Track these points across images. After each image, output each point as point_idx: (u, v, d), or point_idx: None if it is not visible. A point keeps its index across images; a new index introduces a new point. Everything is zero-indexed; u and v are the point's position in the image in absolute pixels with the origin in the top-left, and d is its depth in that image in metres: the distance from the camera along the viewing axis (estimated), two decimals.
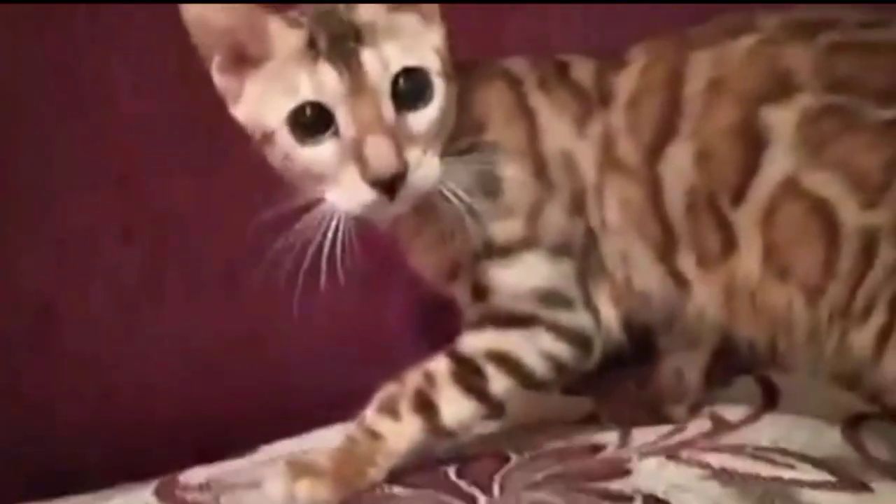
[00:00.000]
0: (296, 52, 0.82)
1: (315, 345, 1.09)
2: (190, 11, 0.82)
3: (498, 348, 0.88)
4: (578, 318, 0.89)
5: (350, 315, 1.09)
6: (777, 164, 0.82)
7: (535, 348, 0.88)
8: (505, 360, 0.88)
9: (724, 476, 0.84)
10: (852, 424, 0.92)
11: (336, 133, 0.81)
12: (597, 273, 0.90)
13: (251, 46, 0.83)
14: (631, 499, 0.82)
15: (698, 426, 0.94)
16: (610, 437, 0.93)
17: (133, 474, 0.98)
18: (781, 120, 0.82)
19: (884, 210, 0.79)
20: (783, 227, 0.83)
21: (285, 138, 0.82)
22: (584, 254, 0.89)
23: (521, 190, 0.88)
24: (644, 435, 0.93)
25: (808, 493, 0.81)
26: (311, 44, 0.82)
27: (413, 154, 0.81)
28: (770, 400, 0.98)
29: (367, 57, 0.81)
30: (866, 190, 0.80)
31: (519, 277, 0.88)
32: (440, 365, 0.89)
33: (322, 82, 0.81)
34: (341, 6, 0.84)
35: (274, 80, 0.83)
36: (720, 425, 0.94)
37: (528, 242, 0.88)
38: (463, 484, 0.87)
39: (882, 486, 0.82)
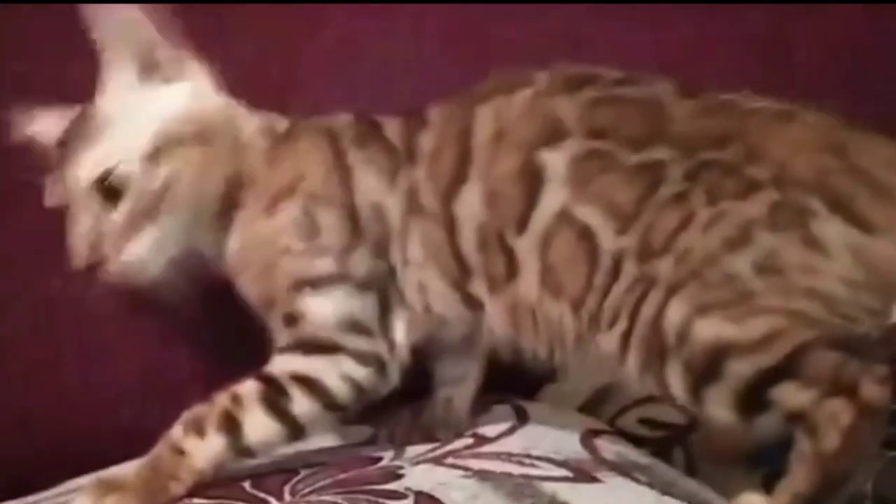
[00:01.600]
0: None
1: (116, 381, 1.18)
2: None
3: (303, 372, 1.00)
4: (376, 346, 1.02)
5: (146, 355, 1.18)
6: (553, 198, 0.98)
7: (337, 372, 1.00)
8: (309, 383, 1.00)
9: (482, 475, 0.97)
10: (589, 436, 1.08)
11: None
12: (393, 306, 1.04)
13: None
14: (405, 496, 0.94)
15: (462, 441, 1.07)
16: (386, 452, 1.06)
17: None
18: (555, 161, 0.99)
19: (631, 235, 0.96)
20: (557, 252, 0.98)
21: None
22: (384, 290, 1.03)
23: (335, 234, 1.03)
24: (416, 449, 1.06)
25: (549, 485, 0.95)
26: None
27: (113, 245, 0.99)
28: (521, 421, 1.13)
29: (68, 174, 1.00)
30: (620, 219, 0.96)
31: (328, 308, 1.01)
32: (248, 386, 1.00)
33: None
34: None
35: None
36: (480, 440, 1.08)
37: (338, 278, 1.02)
38: (257, 492, 0.98)
39: (611, 480, 0.98)
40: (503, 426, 1.11)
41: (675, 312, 0.92)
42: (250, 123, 1.08)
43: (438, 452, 1.05)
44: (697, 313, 0.91)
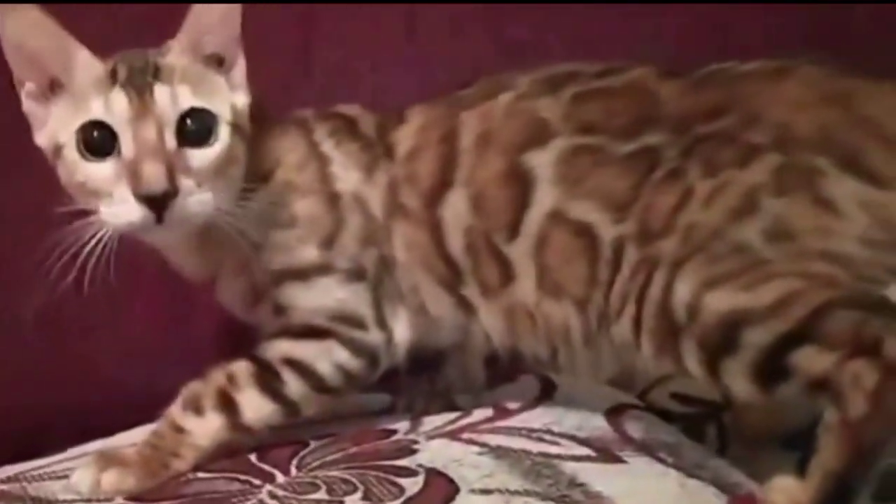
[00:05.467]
0: (96, 80, 0.92)
1: (119, 347, 1.14)
2: (8, 30, 0.89)
3: (294, 356, 0.97)
4: (370, 337, 0.99)
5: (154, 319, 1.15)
6: (544, 200, 0.95)
7: (327, 359, 0.98)
8: (300, 367, 0.97)
9: (498, 452, 0.93)
10: (615, 412, 1.03)
11: (118, 154, 0.89)
12: (394, 298, 1.00)
13: (61, 75, 0.92)
14: (416, 473, 0.90)
15: (482, 413, 1.03)
16: (402, 424, 1.02)
17: None
18: (542, 162, 0.95)
19: (630, 221, 0.92)
20: (553, 253, 0.95)
21: (71, 152, 0.91)
22: (378, 280, 1.00)
23: (314, 223, 0.99)
24: (433, 421, 1.02)
25: (570, 465, 0.91)
26: (112, 74, 0.91)
27: (186, 183, 0.90)
28: (546, 393, 1.08)
29: (159, 90, 0.91)
30: (617, 209, 0.93)
31: (315, 298, 0.99)
32: (241, 367, 0.97)
33: (112, 105, 0.90)
34: (153, 50, 0.93)
35: (72, 103, 0.92)
36: (501, 412, 1.03)
37: (322, 268, 0.99)
38: (263, 465, 0.94)
39: (635, 460, 0.94)
40: (526, 399, 1.06)
41: (683, 289, 0.88)
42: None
43: (456, 426, 1.00)
44: (706, 287, 0.87)
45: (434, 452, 0.94)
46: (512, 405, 1.05)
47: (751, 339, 0.85)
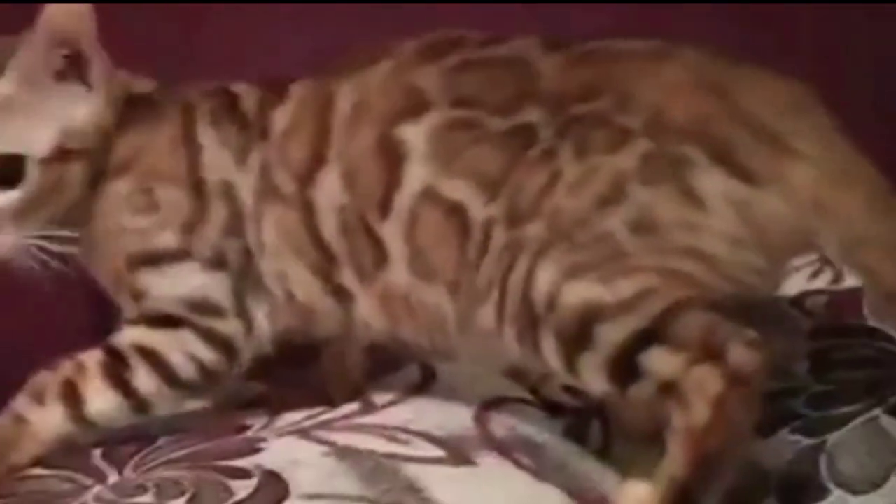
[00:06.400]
0: None
1: None
2: None
3: (146, 344, 0.94)
4: (227, 327, 0.95)
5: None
6: (415, 176, 0.90)
7: (181, 349, 0.94)
8: (151, 356, 0.94)
9: (343, 452, 0.89)
10: (489, 407, 0.99)
11: None
12: (256, 289, 0.96)
13: None
14: (251, 475, 0.86)
15: (347, 408, 0.99)
16: (259, 419, 0.98)
17: None
18: (415, 135, 0.90)
19: (500, 202, 0.87)
20: (425, 233, 0.90)
21: None
22: (241, 271, 0.96)
23: (176, 208, 0.95)
24: (292, 416, 0.98)
25: (413, 468, 0.87)
26: None
27: None
28: (424, 385, 1.04)
29: None
30: (489, 188, 0.88)
31: (171, 285, 0.95)
32: (92, 356, 0.94)
33: None
34: None
35: None
36: (366, 408, 0.99)
37: (181, 255, 0.95)
38: (102, 464, 0.91)
39: (487, 461, 0.90)
40: (398, 393, 1.02)
41: (543, 278, 0.83)
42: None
43: (313, 422, 0.96)
44: (566, 277, 0.83)
45: (277, 452, 0.90)
46: (381, 399, 1.00)
47: (605, 334, 0.82)
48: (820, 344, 0.99)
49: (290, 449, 0.91)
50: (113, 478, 0.89)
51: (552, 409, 1.04)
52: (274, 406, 1.00)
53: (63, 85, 0.92)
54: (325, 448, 0.90)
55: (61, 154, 0.92)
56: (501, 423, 0.96)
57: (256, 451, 0.91)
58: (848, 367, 0.94)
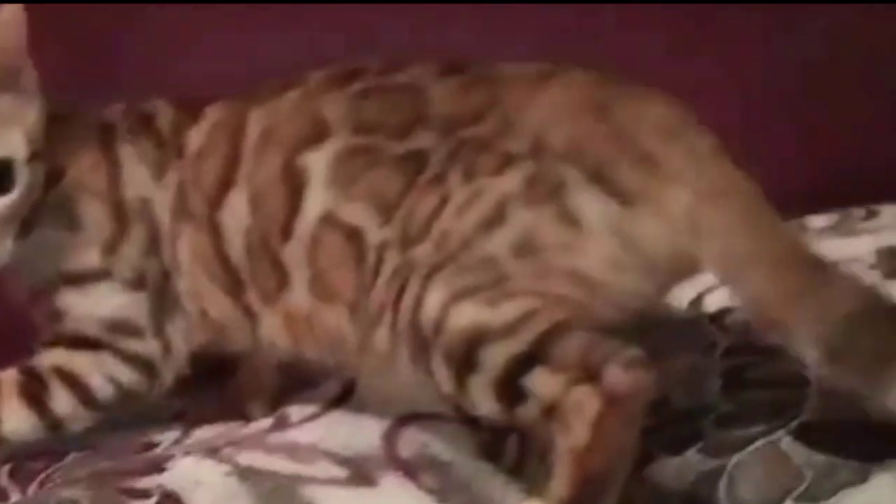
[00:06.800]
0: None
1: None
2: None
3: (65, 366, 0.95)
4: (147, 348, 0.96)
5: None
6: (316, 202, 0.92)
7: (100, 371, 0.95)
8: (69, 378, 0.95)
9: (245, 473, 0.90)
10: (402, 423, 0.99)
11: None
12: (172, 308, 0.98)
13: None
14: (150, 495, 0.87)
15: (261, 424, 1.00)
16: (169, 435, 0.99)
17: None
18: (316, 162, 0.92)
19: (393, 225, 0.89)
20: (325, 256, 0.92)
21: None
22: (159, 290, 0.97)
23: (98, 227, 0.97)
24: (204, 433, 0.99)
25: (311, 489, 0.88)
26: None
27: None
28: (342, 399, 1.04)
29: None
30: (385, 212, 0.90)
31: (91, 305, 0.96)
32: (9, 374, 0.95)
33: None
34: None
35: None
36: (280, 423, 0.99)
37: (102, 274, 0.96)
38: (8, 483, 0.92)
39: (387, 482, 0.90)
40: (314, 408, 1.02)
41: (432, 301, 0.84)
42: None
43: (224, 440, 0.97)
44: (452, 300, 0.84)
45: (181, 471, 0.91)
46: (297, 414, 1.01)
47: (490, 356, 0.82)
48: (734, 362, 0.98)
49: (194, 468, 0.91)
50: (15, 496, 0.89)
51: (471, 424, 1.04)
52: (189, 421, 1.01)
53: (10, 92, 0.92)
54: (228, 468, 0.91)
55: (33, 156, 0.92)
56: (411, 441, 0.96)
57: (161, 469, 0.91)
58: (758, 387, 0.94)
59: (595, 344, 0.80)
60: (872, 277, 1.08)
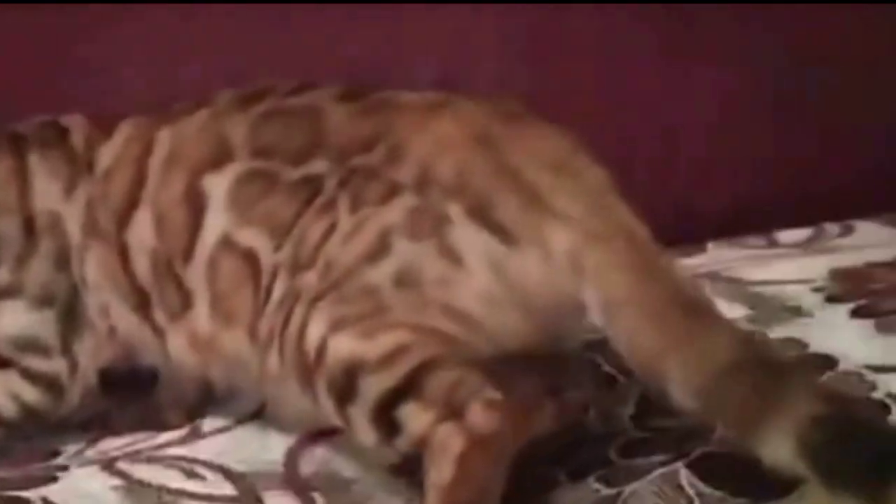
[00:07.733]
0: None
1: None
2: None
3: None
4: (53, 366, 0.96)
5: None
6: (215, 225, 0.92)
7: (4, 390, 0.96)
8: None
9: (131, 488, 0.89)
10: (308, 440, 0.96)
11: None
12: (80, 325, 0.98)
13: None
14: None
15: (169, 436, 0.98)
16: (73, 445, 0.98)
17: None
18: (217, 185, 0.92)
19: (286, 250, 0.89)
20: (224, 279, 0.92)
21: None
22: (68, 306, 0.97)
23: (7, 243, 0.97)
24: (109, 443, 0.98)
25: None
26: None
27: None
28: (256, 415, 1.01)
29: None
30: (278, 236, 0.89)
31: (1, 324, 0.96)
32: None
33: None
34: None
35: None
36: (192, 435, 0.98)
37: (10, 291, 0.96)
38: None
39: (275, 501, 0.88)
40: (229, 419, 1.00)
41: (314, 329, 0.84)
42: None
43: (125, 451, 0.96)
44: (333, 329, 0.83)
45: (71, 484, 0.90)
46: (209, 426, 1.00)
47: (367, 388, 0.81)
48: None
49: (85, 481, 0.90)
50: None
51: None
52: (98, 432, 1.00)
53: None
54: (119, 481, 0.90)
55: None
56: (314, 458, 0.94)
57: (52, 480, 0.91)
58: (666, 415, 0.90)
59: (461, 382, 0.78)
60: (813, 300, 1.04)
